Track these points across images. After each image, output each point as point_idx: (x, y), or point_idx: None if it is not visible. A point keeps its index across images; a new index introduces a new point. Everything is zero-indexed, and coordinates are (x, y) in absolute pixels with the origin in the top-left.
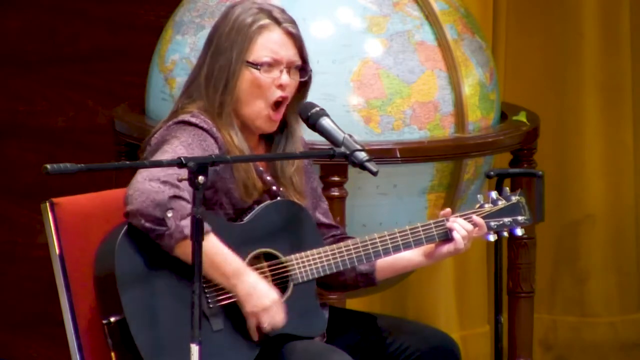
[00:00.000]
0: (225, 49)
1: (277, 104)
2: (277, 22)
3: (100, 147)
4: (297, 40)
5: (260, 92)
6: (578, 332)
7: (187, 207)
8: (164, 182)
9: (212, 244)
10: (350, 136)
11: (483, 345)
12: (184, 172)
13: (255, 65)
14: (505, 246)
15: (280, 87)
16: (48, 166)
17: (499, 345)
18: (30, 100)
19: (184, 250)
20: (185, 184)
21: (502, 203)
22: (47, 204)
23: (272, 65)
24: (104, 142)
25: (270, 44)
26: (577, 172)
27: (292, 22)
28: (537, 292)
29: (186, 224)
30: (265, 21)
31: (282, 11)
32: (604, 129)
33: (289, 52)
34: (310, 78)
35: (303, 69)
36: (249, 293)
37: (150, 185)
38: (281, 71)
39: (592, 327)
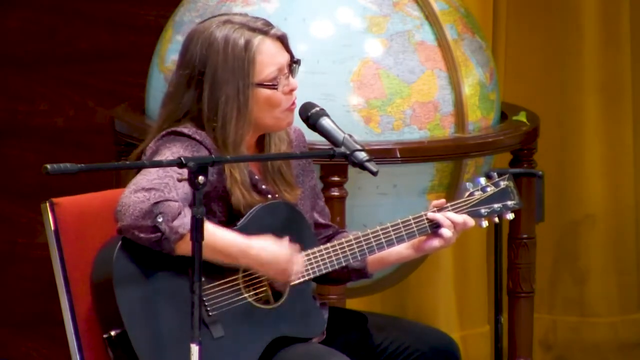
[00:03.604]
0: (227, 78)
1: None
2: (264, 32)
3: (100, 147)
4: (284, 40)
5: (275, 105)
6: (578, 332)
7: (175, 206)
8: (148, 190)
9: (210, 231)
10: (350, 136)
11: (483, 345)
12: (183, 172)
13: (268, 84)
14: (505, 246)
15: (291, 92)
16: (48, 166)
17: (499, 345)
18: (30, 100)
19: (185, 249)
20: (174, 185)
21: (490, 189)
22: (47, 204)
23: (278, 76)
24: (104, 142)
25: (270, 58)
26: (577, 172)
27: (270, 23)
28: (537, 292)
29: (179, 223)
30: (257, 37)
31: (257, 18)
32: (604, 129)
33: (285, 56)
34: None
35: (293, 62)
36: (262, 264)
37: (135, 196)
38: (286, 77)
39: (592, 327)
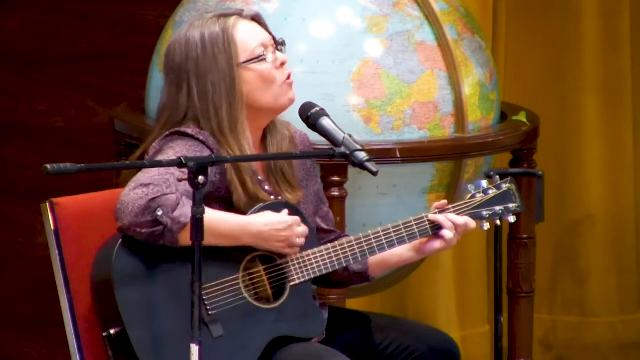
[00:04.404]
0: (210, 66)
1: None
2: (238, 14)
3: (100, 147)
4: (260, 20)
5: (269, 80)
6: (578, 332)
7: (173, 197)
8: (147, 185)
9: (210, 217)
10: (350, 136)
11: (483, 345)
12: (183, 172)
13: (254, 59)
14: (505, 246)
15: (282, 65)
16: (48, 166)
17: (499, 345)
18: (30, 100)
19: (189, 238)
20: (174, 182)
21: (492, 192)
22: (47, 204)
23: (264, 51)
24: (104, 142)
25: (249, 35)
26: (577, 172)
27: (242, 8)
28: (537, 292)
29: (179, 213)
30: (230, 20)
31: (228, 8)
32: (604, 129)
33: (265, 33)
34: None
35: (279, 43)
36: (264, 238)
37: (134, 193)
38: (273, 52)
39: (592, 327)
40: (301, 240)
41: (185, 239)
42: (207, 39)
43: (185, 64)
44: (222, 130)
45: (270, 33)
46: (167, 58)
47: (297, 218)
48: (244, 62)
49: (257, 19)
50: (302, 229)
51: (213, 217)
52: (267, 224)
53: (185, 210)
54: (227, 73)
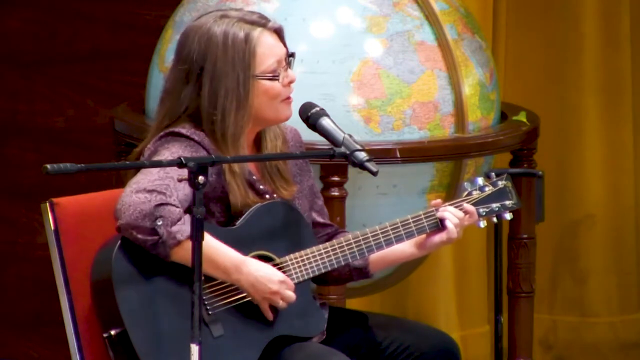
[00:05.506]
0: (227, 71)
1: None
2: (262, 25)
3: (100, 147)
4: (281, 33)
5: (274, 96)
6: (578, 332)
7: (176, 211)
8: (150, 191)
9: (208, 243)
10: (350, 136)
11: (483, 345)
12: (183, 173)
13: (269, 75)
14: (505, 246)
15: (289, 84)
16: (48, 166)
17: (499, 345)
18: (30, 100)
19: (181, 255)
20: (174, 187)
21: (489, 189)
22: (47, 204)
23: (278, 68)
24: (104, 142)
25: (269, 50)
26: (577, 172)
27: (266, 17)
28: (537, 292)
29: (177, 229)
30: (256, 30)
31: (252, 12)
32: (604, 129)
33: (282, 48)
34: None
35: (290, 55)
36: (253, 283)
37: (136, 196)
38: (285, 69)
39: (592, 327)
40: (283, 304)
41: (177, 255)
42: (230, 43)
43: (202, 61)
44: (224, 136)
45: (285, 45)
46: (182, 44)
47: (288, 282)
48: (258, 76)
49: (278, 31)
50: (291, 294)
51: (209, 242)
52: (262, 271)
53: (183, 228)
54: (242, 82)
